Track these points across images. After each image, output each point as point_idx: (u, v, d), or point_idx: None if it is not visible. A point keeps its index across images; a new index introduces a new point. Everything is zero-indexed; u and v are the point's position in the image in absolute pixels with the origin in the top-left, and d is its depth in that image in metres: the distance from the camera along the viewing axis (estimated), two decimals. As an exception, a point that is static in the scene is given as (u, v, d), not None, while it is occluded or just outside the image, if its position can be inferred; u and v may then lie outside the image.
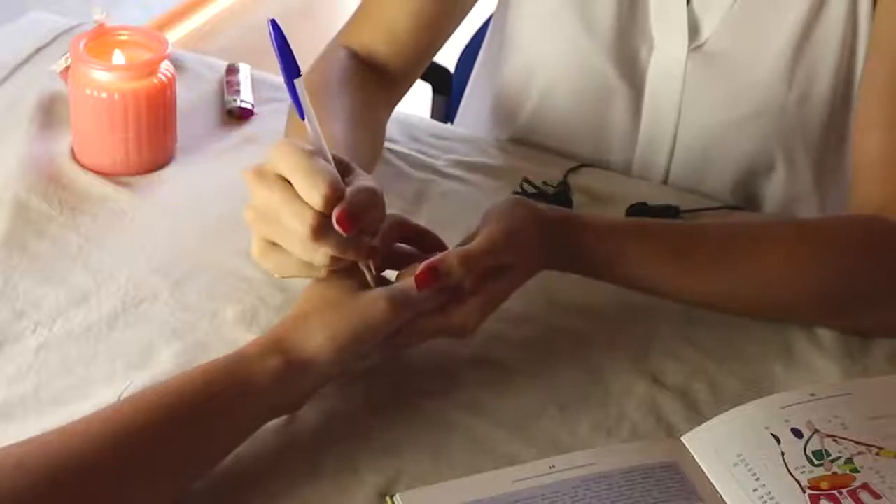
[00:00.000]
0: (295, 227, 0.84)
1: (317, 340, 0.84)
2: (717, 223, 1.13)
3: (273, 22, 0.84)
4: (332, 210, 0.83)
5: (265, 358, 0.83)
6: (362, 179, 0.88)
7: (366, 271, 0.89)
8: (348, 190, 0.85)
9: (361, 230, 0.86)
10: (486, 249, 0.89)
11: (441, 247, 0.93)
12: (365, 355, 0.89)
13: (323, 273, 0.88)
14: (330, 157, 0.87)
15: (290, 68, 0.85)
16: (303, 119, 0.86)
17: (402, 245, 0.94)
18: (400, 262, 0.92)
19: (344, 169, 0.88)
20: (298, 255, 0.87)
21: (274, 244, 0.87)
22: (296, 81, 0.85)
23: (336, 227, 0.83)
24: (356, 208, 0.84)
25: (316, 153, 0.86)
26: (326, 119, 1.05)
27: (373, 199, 0.86)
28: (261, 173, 0.86)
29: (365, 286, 0.89)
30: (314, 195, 0.83)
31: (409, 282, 0.87)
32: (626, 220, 1.09)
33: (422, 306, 0.88)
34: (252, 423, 0.84)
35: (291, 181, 0.84)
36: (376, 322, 0.86)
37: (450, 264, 0.87)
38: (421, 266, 0.87)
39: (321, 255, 0.86)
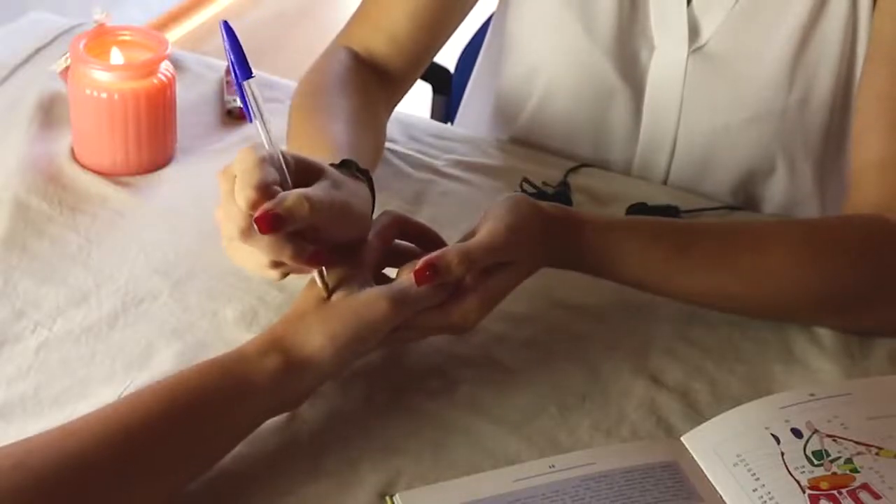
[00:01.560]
0: (228, 227, 0.86)
1: (316, 339, 0.84)
2: (717, 221, 1.13)
3: (225, 23, 0.85)
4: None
5: (264, 357, 0.83)
6: (318, 185, 0.87)
7: (318, 280, 0.88)
8: (281, 193, 0.84)
9: (296, 234, 0.85)
10: (486, 246, 0.89)
11: (441, 244, 0.93)
12: (364, 353, 0.89)
13: (275, 276, 0.89)
14: (281, 161, 0.87)
15: (243, 69, 0.85)
16: (251, 121, 0.86)
17: (402, 242, 0.94)
18: (400, 259, 0.92)
19: (311, 173, 0.88)
20: (231, 256, 0.88)
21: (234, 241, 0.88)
22: (245, 83, 0.85)
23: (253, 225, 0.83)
24: (280, 209, 0.83)
25: (266, 158, 0.86)
26: (327, 119, 1.05)
27: (301, 205, 0.84)
28: (223, 173, 0.87)
29: (366, 283, 0.88)
30: (241, 196, 0.84)
31: (408, 279, 0.87)
32: (627, 218, 1.09)
33: (421, 305, 0.88)
34: (251, 422, 0.84)
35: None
36: (375, 321, 0.86)
37: (449, 261, 0.87)
38: (420, 262, 0.87)
39: (257, 256, 0.87)
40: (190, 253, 1.05)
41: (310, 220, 0.85)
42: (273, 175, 0.85)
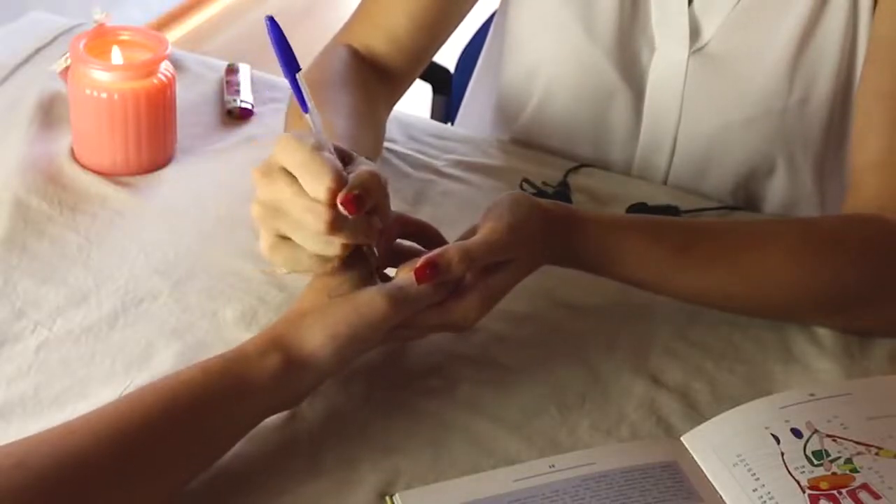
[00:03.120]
0: (308, 222, 0.84)
1: (316, 338, 0.84)
2: (718, 220, 1.13)
3: (270, 18, 0.85)
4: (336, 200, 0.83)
5: (264, 356, 0.83)
6: (363, 164, 0.88)
7: (369, 255, 0.89)
8: (351, 175, 0.85)
9: (368, 212, 0.86)
10: (486, 244, 0.89)
11: (441, 242, 0.93)
12: (365, 351, 0.89)
13: (335, 265, 0.88)
14: (332, 149, 0.87)
15: (291, 63, 0.86)
16: (306, 112, 0.86)
17: (403, 241, 0.94)
18: (400, 258, 0.92)
19: (345, 157, 0.89)
20: (311, 249, 0.86)
21: (284, 239, 0.87)
22: (297, 76, 0.86)
23: (341, 209, 0.83)
24: (360, 190, 0.84)
25: (318, 146, 0.86)
26: (326, 114, 1.05)
27: (375, 181, 0.86)
28: (266, 169, 0.86)
29: (364, 283, 0.88)
30: (319, 189, 0.83)
31: (408, 278, 0.87)
32: (628, 216, 1.09)
33: (421, 303, 0.88)
34: (251, 421, 0.84)
35: (296, 176, 0.84)
36: (375, 320, 0.86)
37: (449, 259, 0.87)
38: (420, 260, 0.87)
39: (336, 246, 0.86)
40: (190, 253, 1.05)
41: (382, 193, 0.86)
42: (334, 162, 0.85)
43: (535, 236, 0.92)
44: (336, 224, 0.84)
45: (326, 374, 0.87)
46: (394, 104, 1.22)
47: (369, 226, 0.86)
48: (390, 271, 0.93)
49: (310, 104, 0.86)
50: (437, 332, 0.93)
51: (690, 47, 1.19)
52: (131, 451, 0.77)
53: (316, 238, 0.85)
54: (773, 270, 0.98)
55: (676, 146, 1.23)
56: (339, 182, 0.83)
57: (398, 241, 0.94)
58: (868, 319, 1.01)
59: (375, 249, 0.89)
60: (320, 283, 0.89)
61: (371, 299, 0.86)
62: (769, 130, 1.20)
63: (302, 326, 0.85)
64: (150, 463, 0.78)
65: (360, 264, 0.89)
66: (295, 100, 1.11)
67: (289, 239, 0.87)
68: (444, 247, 0.89)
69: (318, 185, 0.83)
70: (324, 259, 0.87)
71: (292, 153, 0.84)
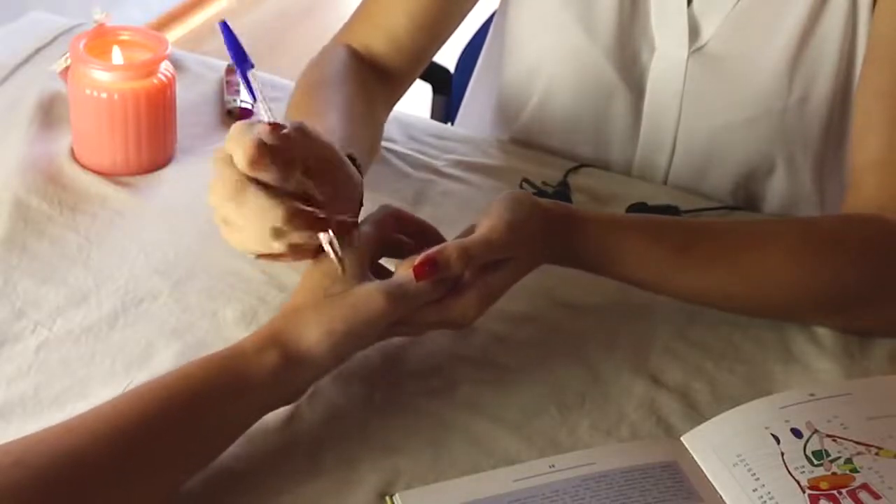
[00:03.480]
0: (221, 193, 0.86)
1: (313, 334, 0.84)
2: (718, 220, 1.13)
3: (224, 24, 0.89)
4: (253, 170, 0.84)
5: (262, 353, 0.83)
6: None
7: (328, 249, 0.87)
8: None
9: (312, 201, 0.87)
10: (485, 242, 0.89)
11: (440, 240, 0.93)
12: (362, 348, 0.89)
13: (281, 247, 0.88)
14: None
15: (242, 63, 0.90)
16: (255, 102, 0.88)
17: (401, 236, 0.94)
18: (399, 253, 0.92)
19: None
20: (242, 226, 0.87)
21: (229, 222, 0.88)
22: (249, 73, 0.89)
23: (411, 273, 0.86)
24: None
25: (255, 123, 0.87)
26: (324, 111, 1.05)
27: (302, 131, 0.88)
28: (218, 155, 0.87)
29: (362, 279, 0.88)
30: (239, 156, 0.84)
31: (407, 275, 0.87)
32: (628, 216, 1.09)
33: (420, 300, 0.88)
34: (248, 418, 0.84)
35: (229, 151, 0.86)
36: (373, 316, 0.86)
37: (448, 256, 0.87)
38: (419, 257, 0.87)
39: (256, 227, 0.86)
40: (190, 253, 1.05)
41: (310, 145, 0.88)
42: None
43: (534, 235, 0.92)
44: (240, 192, 0.85)
45: (324, 370, 0.87)
46: (393, 104, 1.22)
47: (284, 205, 0.85)
48: (390, 266, 0.93)
49: (258, 96, 0.88)
50: (435, 329, 0.93)
51: (690, 47, 1.19)
52: (129, 448, 0.77)
53: (239, 225, 0.87)
54: (773, 270, 0.98)
55: (676, 146, 1.23)
56: (258, 150, 0.84)
57: (396, 236, 0.94)
58: (868, 319, 1.01)
59: (335, 242, 0.87)
60: (314, 281, 0.89)
61: (369, 296, 0.86)
62: (769, 130, 1.20)
63: (299, 323, 0.85)
64: (148, 461, 0.78)
65: (327, 261, 0.88)
66: (294, 97, 1.12)
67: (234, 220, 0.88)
68: (444, 244, 0.89)
69: (237, 152, 0.85)
70: (267, 240, 0.87)
71: (231, 134, 0.86)
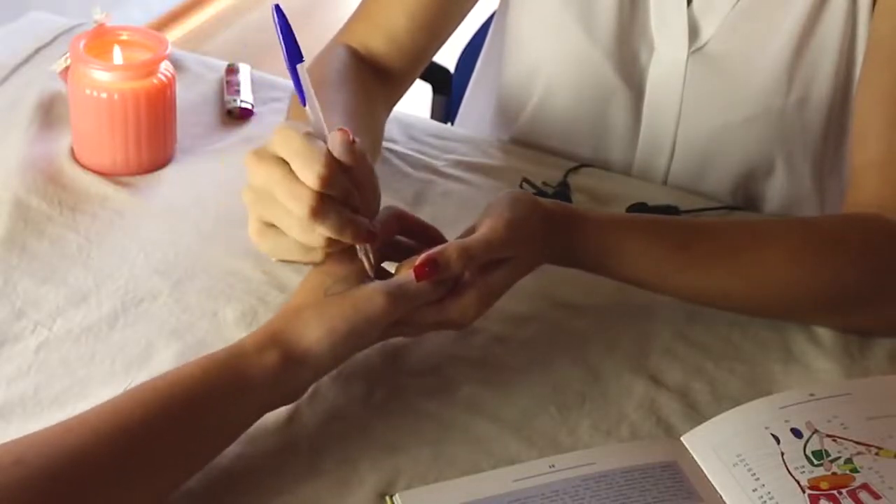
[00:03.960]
0: (292, 208, 0.85)
1: (313, 333, 0.84)
2: (718, 219, 1.13)
3: (277, 7, 0.85)
4: (326, 188, 0.84)
5: (262, 353, 0.83)
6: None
7: (363, 258, 0.89)
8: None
9: (356, 210, 0.86)
10: (485, 242, 0.89)
11: (441, 240, 0.93)
12: (362, 348, 0.89)
13: (320, 256, 0.88)
14: (327, 142, 0.87)
15: (293, 53, 0.86)
16: (304, 104, 0.86)
17: (402, 238, 0.94)
18: (400, 254, 0.92)
19: None
20: (295, 237, 0.87)
21: (271, 225, 0.88)
22: (298, 67, 0.86)
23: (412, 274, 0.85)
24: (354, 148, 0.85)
25: (314, 136, 0.86)
26: (325, 112, 1.05)
27: (369, 177, 0.87)
28: (259, 154, 0.86)
29: (363, 279, 0.88)
30: (310, 174, 0.84)
31: (407, 275, 0.87)
32: (628, 215, 1.09)
33: (420, 300, 0.88)
34: (248, 417, 0.84)
35: (289, 162, 0.85)
36: (373, 316, 0.86)
37: (449, 256, 0.87)
38: (420, 258, 0.87)
39: (317, 236, 0.86)
40: (190, 253, 1.05)
41: (372, 197, 0.88)
42: (326, 150, 0.86)
43: (534, 235, 0.92)
44: (319, 211, 0.84)
45: (324, 370, 0.87)
46: (393, 104, 1.22)
47: (357, 224, 0.86)
48: (389, 267, 0.93)
49: (309, 96, 0.86)
50: (435, 329, 0.93)
51: (689, 47, 1.19)
52: (129, 448, 0.77)
53: (300, 226, 0.86)
54: (773, 270, 0.98)
55: (676, 146, 1.23)
56: (331, 169, 0.84)
57: (397, 237, 0.94)
58: (868, 319, 1.01)
59: (370, 253, 0.89)
60: (314, 280, 0.89)
61: (369, 295, 0.86)
62: (768, 130, 1.20)
63: (299, 322, 0.85)
64: (149, 460, 0.78)
65: (351, 264, 0.89)
66: (296, 95, 1.12)
67: (275, 226, 0.87)
68: (444, 244, 0.89)
69: (308, 170, 0.84)
70: (307, 249, 0.88)
71: (287, 140, 0.85)
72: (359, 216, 0.87)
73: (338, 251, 0.89)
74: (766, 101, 1.18)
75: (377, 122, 1.16)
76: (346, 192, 0.86)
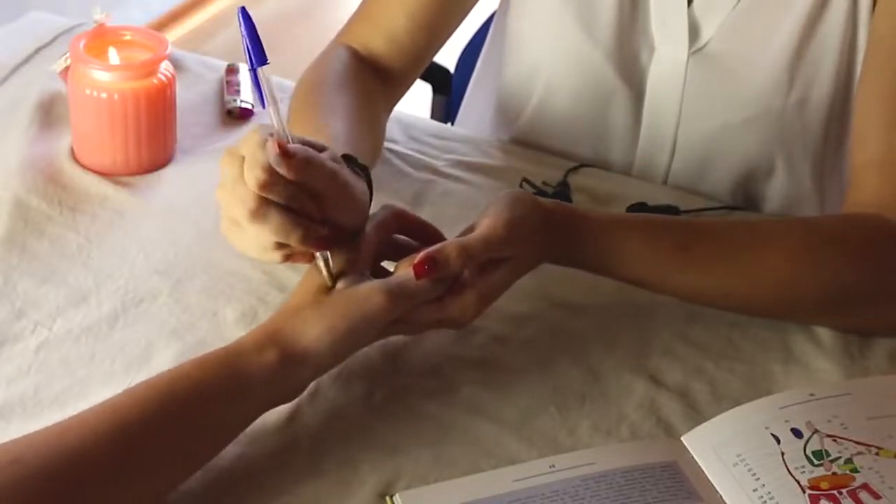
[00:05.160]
0: (236, 208, 0.86)
1: (313, 332, 0.84)
2: (718, 219, 1.13)
3: (243, 9, 0.85)
4: (265, 192, 0.84)
5: (261, 351, 0.83)
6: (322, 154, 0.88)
7: (321, 266, 0.88)
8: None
9: (312, 217, 0.86)
10: (484, 241, 0.89)
11: (440, 239, 0.93)
12: (361, 346, 0.89)
13: (276, 257, 0.89)
14: (293, 142, 0.87)
15: (258, 56, 0.85)
16: (263, 108, 0.87)
17: (401, 237, 0.94)
18: (399, 253, 0.92)
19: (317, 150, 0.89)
20: (251, 236, 0.88)
21: (237, 222, 0.88)
22: (259, 69, 0.85)
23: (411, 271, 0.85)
24: (297, 153, 0.84)
25: (266, 138, 0.86)
26: (326, 116, 1.05)
27: (331, 185, 0.87)
28: (229, 152, 0.87)
29: (363, 278, 0.88)
30: (250, 177, 0.84)
31: (406, 273, 0.88)
32: (628, 215, 1.09)
33: (419, 298, 0.88)
34: (248, 416, 0.84)
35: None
36: (372, 314, 0.86)
37: (448, 254, 0.87)
38: (419, 256, 0.87)
39: (267, 237, 0.86)
40: (190, 253, 1.05)
41: (316, 174, 0.86)
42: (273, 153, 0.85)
43: (534, 234, 0.92)
44: (258, 214, 0.85)
45: (323, 369, 0.87)
46: (394, 105, 1.22)
47: (301, 229, 0.86)
48: (388, 266, 0.93)
49: (268, 99, 0.86)
50: (434, 328, 0.93)
51: (690, 48, 1.19)
52: (128, 447, 0.77)
53: (250, 226, 0.86)
54: (774, 270, 0.98)
55: (676, 146, 1.23)
56: (270, 172, 0.84)
57: (396, 236, 0.94)
58: (868, 319, 1.01)
59: (330, 262, 0.89)
60: (313, 279, 0.89)
61: (369, 293, 0.86)
62: (768, 130, 1.20)
63: (298, 321, 0.85)
64: (148, 459, 0.78)
65: (356, 260, 0.89)
66: (295, 98, 1.12)
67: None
68: (443, 243, 0.89)
69: (249, 172, 0.84)
70: (263, 249, 0.88)
71: (248, 142, 0.86)
72: (311, 223, 0.87)
73: (339, 249, 0.89)
74: (766, 102, 1.18)
75: (378, 124, 1.16)
76: (291, 197, 0.85)
